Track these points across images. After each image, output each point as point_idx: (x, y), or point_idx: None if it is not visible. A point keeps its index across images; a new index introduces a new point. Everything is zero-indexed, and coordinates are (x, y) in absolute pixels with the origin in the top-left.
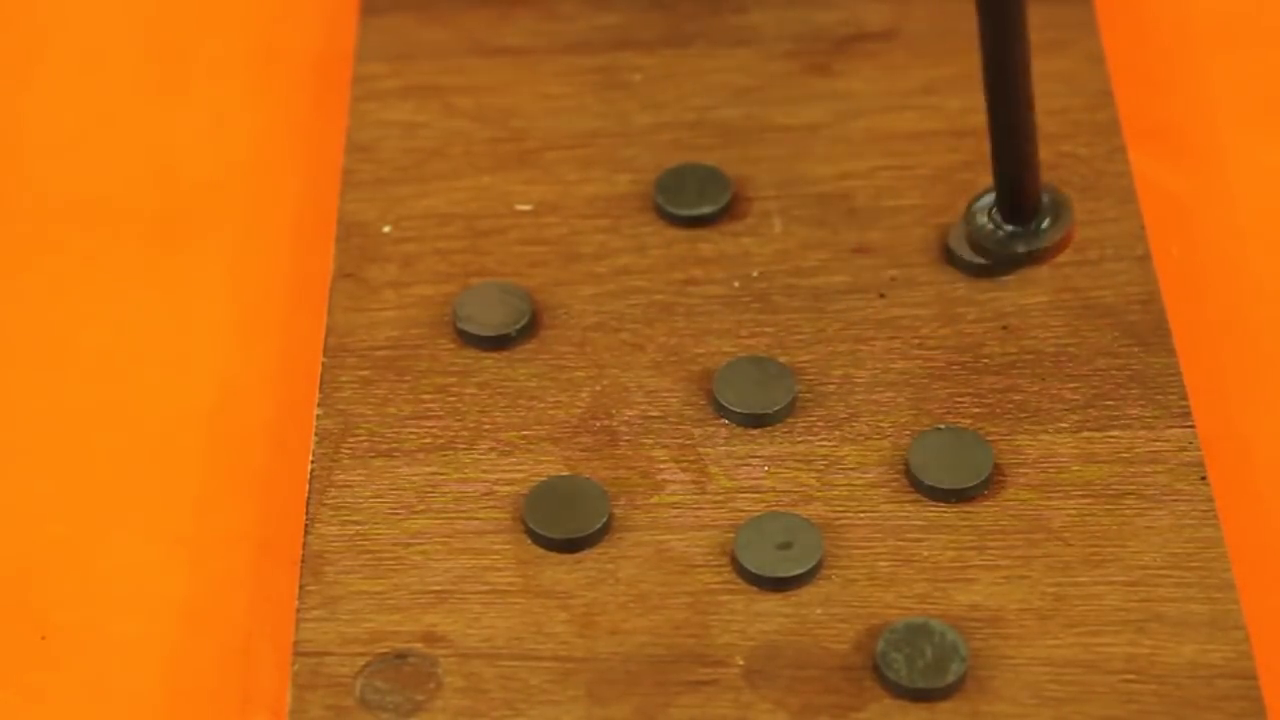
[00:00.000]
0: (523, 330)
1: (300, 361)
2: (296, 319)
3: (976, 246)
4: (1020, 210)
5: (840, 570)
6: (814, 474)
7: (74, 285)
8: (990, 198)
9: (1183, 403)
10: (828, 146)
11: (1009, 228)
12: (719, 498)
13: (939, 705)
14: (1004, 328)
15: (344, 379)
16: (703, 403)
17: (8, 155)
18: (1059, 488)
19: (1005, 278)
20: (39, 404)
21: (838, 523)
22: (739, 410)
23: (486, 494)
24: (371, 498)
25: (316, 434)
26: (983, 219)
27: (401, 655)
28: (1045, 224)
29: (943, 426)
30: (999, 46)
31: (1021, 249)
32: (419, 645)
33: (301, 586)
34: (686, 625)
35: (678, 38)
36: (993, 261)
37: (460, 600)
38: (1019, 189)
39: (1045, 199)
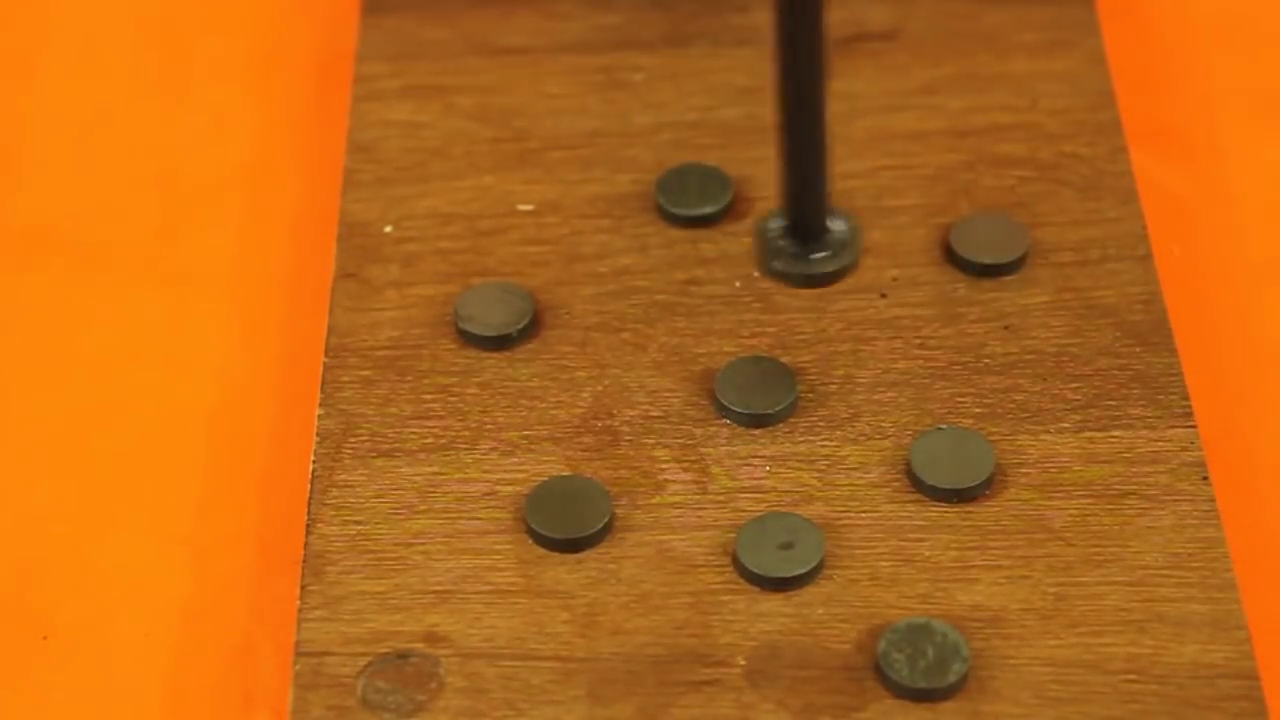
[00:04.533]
0: (524, 330)
1: (301, 361)
2: (297, 319)
3: (758, 260)
4: (803, 232)
5: (842, 570)
6: (815, 474)
7: (75, 285)
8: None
9: (1184, 403)
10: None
11: (792, 244)
12: (720, 498)
13: (940, 705)
14: (1005, 327)
15: (345, 379)
16: (704, 403)
17: (9, 156)
18: (1060, 488)
19: (1006, 277)
20: (39, 404)
21: (839, 523)
22: (740, 410)
23: (488, 494)
24: (373, 498)
25: (318, 434)
26: (774, 231)
27: (403, 655)
28: (826, 254)
29: (944, 426)
30: (795, 67)
31: (796, 271)
32: (420, 645)
33: (303, 586)
34: (688, 625)
35: (679, 37)
36: (771, 277)
37: (462, 600)
38: (803, 211)
39: (838, 226)
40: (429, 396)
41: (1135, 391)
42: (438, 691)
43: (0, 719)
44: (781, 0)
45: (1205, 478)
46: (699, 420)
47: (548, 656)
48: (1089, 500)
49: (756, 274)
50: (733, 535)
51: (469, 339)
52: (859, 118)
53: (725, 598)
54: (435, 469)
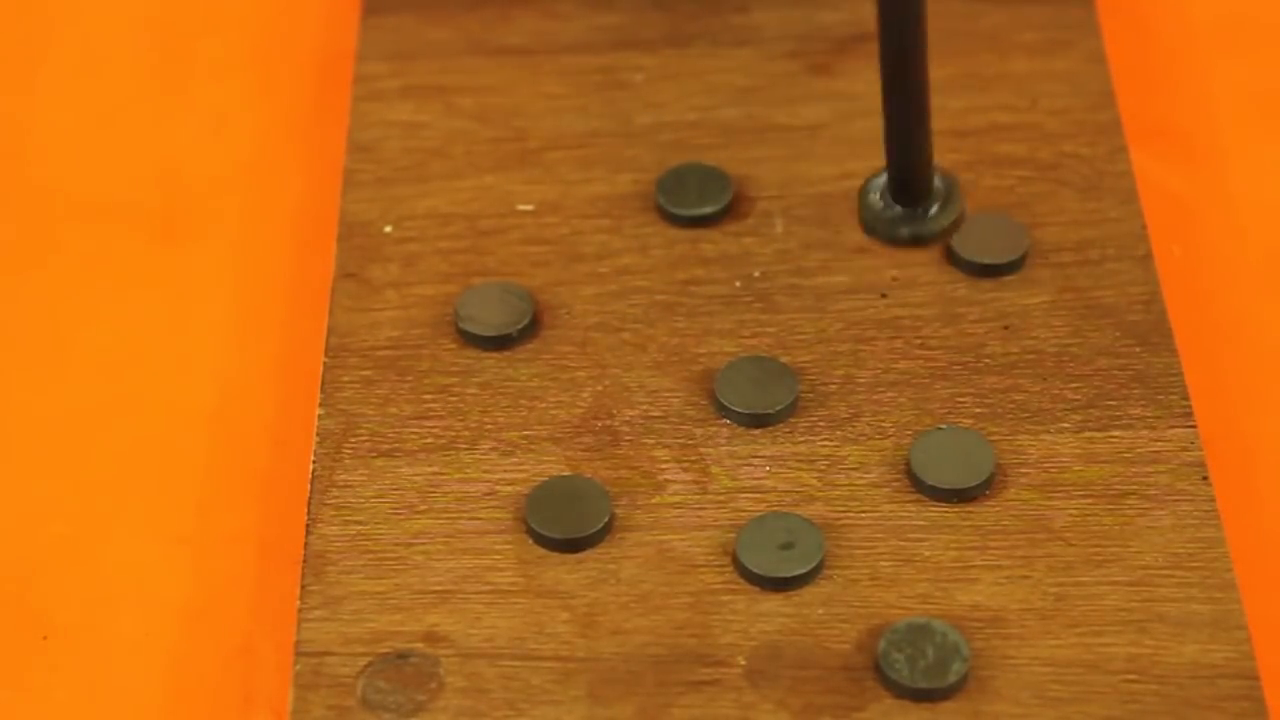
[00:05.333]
0: (524, 330)
1: (301, 361)
2: (297, 319)
3: (866, 225)
4: (909, 191)
5: (842, 570)
6: (815, 474)
7: (75, 285)
8: (884, 177)
9: (1184, 402)
10: (829, 146)
11: (898, 209)
12: (720, 498)
13: (940, 705)
14: (1005, 328)
15: (345, 379)
16: (704, 403)
17: (10, 155)
18: (1060, 488)
19: (1006, 277)
20: (39, 404)
21: (839, 523)
22: (740, 410)
23: (488, 494)
24: (373, 498)
25: (318, 434)
26: (874, 197)
27: (403, 655)
28: (934, 209)
29: (944, 426)
30: (895, 26)
31: (905, 231)
32: (421, 645)
33: (303, 586)
34: (688, 625)
35: (679, 37)
36: (880, 240)
37: (462, 600)
38: (908, 170)
39: (938, 183)
40: (429, 396)
41: (1135, 391)
42: (438, 691)
43: (0, 719)
44: None
45: (1205, 478)
46: (699, 420)
47: (548, 656)
48: (1089, 500)
49: (866, 239)
50: (733, 535)
51: (469, 339)
52: (859, 118)
53: (725, 598)
54: (435, 469)
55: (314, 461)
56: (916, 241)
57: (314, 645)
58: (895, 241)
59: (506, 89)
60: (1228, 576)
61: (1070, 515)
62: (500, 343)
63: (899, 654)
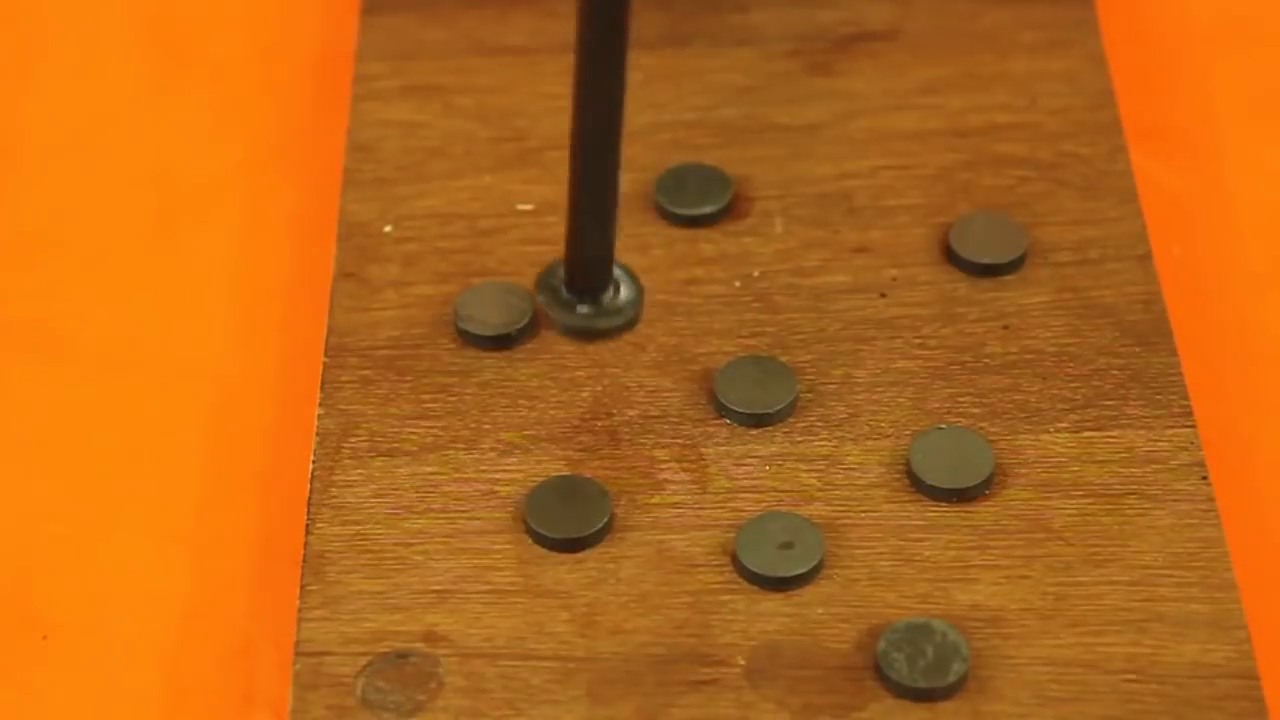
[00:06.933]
0: (524, 330)
1: (300, 361)
2: (297, 319)
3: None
4: (583, 282)
5: (841, 570)
6: (815, 474)
7: (74, 284)
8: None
9: (1184, 402)
10: (829, 146)
11: (570, 296)
12: (720, 497)
13: (940, 705)
14: (1005, 327)
15: (345, 379)
16: (704, 402)
17: (9, 156)
18: (1060, 487)
19: (1006, 277)
20: (39, 404)
21: (839, 522)
22: (740, 410)
23: (487, 494)
24: (372, 497)
25: (317, 434)
26: (554, 282)
27: (403, 655)
28: (606, 303)
29: (943, 426)
30: (589, 113)
31: (572, 322)
32: (420, 645)
33: (303, 586)
34: (688, 625)
35: (678, 37)
36: (555, 327)
37: (461, 600)
38: (582, 263)
39: (619, 276)
40: (428, 396)
41: (1134, 391)
42: (437, 691)
43: (0, 719)
44: (585, 38)
45: (1205, 477)
46: (699, 420)
47: (548, 656)
48: (1088, 500)
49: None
50: (732, 535)
51: (469, 339)
52: (859, 118)
53: (725, 597)
54: (435, 469)
55: (313, 461)
56: (583, 335)
57: (314, 645)
58: (566, 331)
59: (506, 89)
60: (1227, 576)
61: (1070, 515)
62: (500, 342)
63: (898, 654)
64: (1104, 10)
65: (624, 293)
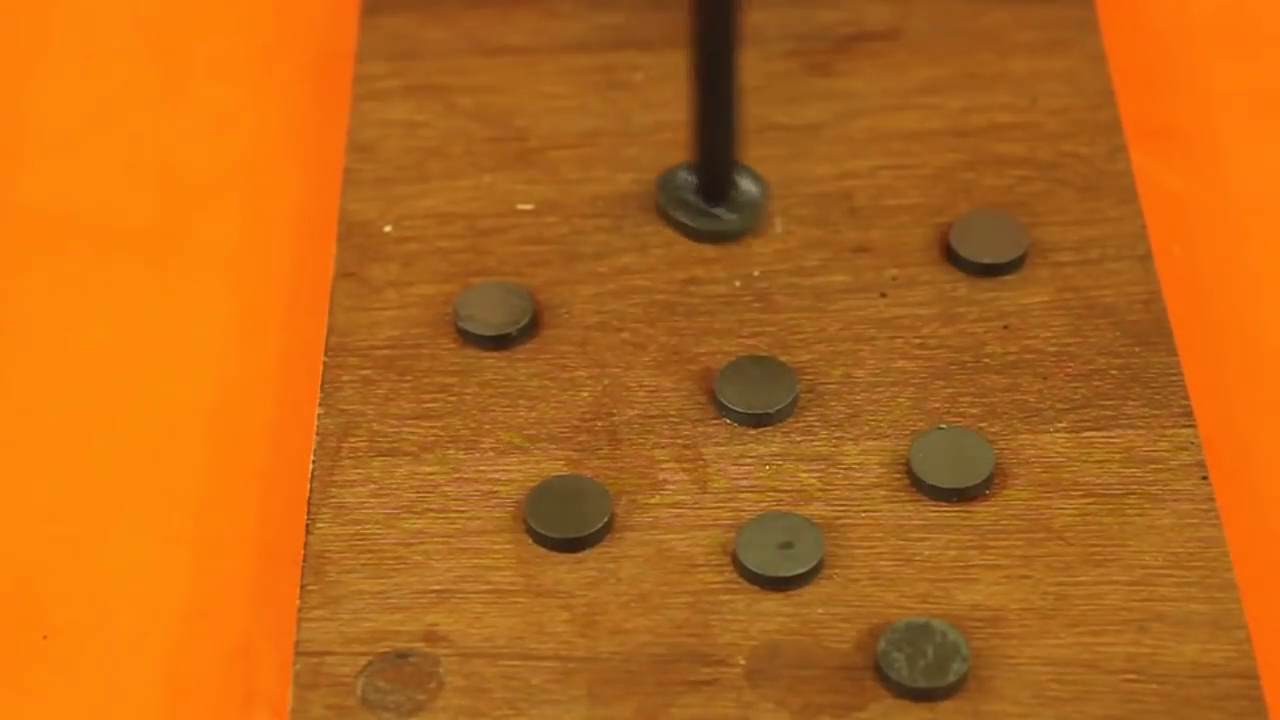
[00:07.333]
0: (524, 330)
1: (301, 361)
2: (297, 319)
3: (666, 205)
4: (711, 188)
5: (841, 570)
6: (815, 473)
7: (75, 285)
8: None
9: (1184, 402)
10: (829, 146)
11: (698, 201)
12: (720, 497)
13: (940, 705)
14: (1005, 327)
15: (345, 378)
16: (704, 402)
17: (9, 156)
18: (1060, 487)
19: (1006, 277)
20: (39, 404)
21: (839, 522)
22: (740, 410)
23: (487, 494)
24: (372, 497)
25: (317, 433)
26: (683, 179)
27: (403, 655)
28: (732, 208)
29: (944, 426)
30: (709, 27)
31: (701, 225)
32: (420, 645)
33: (303, 586)
34: (688, 625)
35: (678, 37)
36: (676, 226)
37: (461, 600)
38: (711, 167)
39: (747, 185)
40: (428, 396)
41: (1135, 391)
42: (437, 691)
43: (0, 718)
44: None
45: (1205, 477)
46: (699, 419)
47: (548, 656)
48: (1089, 500)
49: (661, 224)
50: (732, 535)
51: (469, 338)
52: (859, 118)
53: (725, 597)
54: (434, 469)
55: (313, 461)
56: (712, 239)
57: (314, 645)
58: (689, 235)
59: (506, 89)
60: (1227, 576)
61: (1070, 515)
62: (500, 342)
63: (899, 653)
64: (1104, 10)
65: (751, 187)
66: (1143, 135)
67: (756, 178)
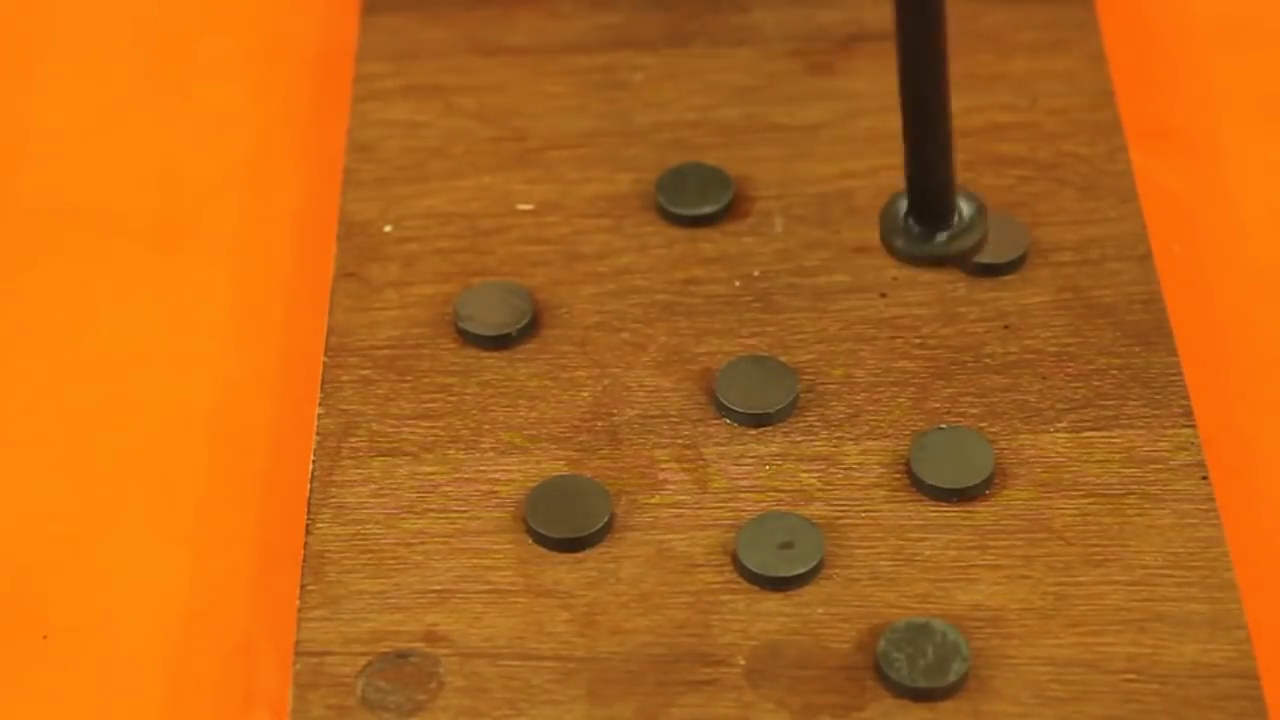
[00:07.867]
0: (524, 330)
1: (301, 361)
2: (297, 319)
3: (884, 239)
4: (929, 214)
5: (841, 570)
6: (815, 473)
7: (75, 285)
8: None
9: (1184, 402)
10: (829, 146)
11: (918, 227)
12: (720, 497)
13: (940, 705)
14: (1005, 327)
15: (345, 378)
16: (704, 402)
17: (9, 156)
18: (1060, 487)
19: (1006, 277)
20: (39, 404)
21: (839, 522)
22: (740, 410)
23: (487, 494)
24: (372, 497)
25: (317, 434)
26: (897, 211)
27: (403, 655)
28: (953, 231)
29: (944, 426)
30: (917, 48)
31: (922, 251)
32: (420, 645)
33: (303, 586)
34: (688, 625)
35: (679, 37)
36: (899, 258)
37: (462, 600)
38: (928, 193)
39: (963, 204)
40: (429, 396)
41: (1135, 391)
42: (438, 691)
43: (0, 718)
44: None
45: (1205, 477)
46: (699, 419)
47: (548, 656)
48: (1089, 500)
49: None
50: (732, 535)
51: (469, 338)
52: (859, 118)
53: (725, 597)
54: (435, 469)
55: (313, 461)
56: (936, 263)
57: (314, 645)
58: (913, 261)
59: (506, 89)
60: (1227, 576)
61: (1070, 515)
62: (500, 342)
63: (899, 653)
64: (1104, 10)
65: (968, 210)
66: (1143, 135)
67: (971, 196)
